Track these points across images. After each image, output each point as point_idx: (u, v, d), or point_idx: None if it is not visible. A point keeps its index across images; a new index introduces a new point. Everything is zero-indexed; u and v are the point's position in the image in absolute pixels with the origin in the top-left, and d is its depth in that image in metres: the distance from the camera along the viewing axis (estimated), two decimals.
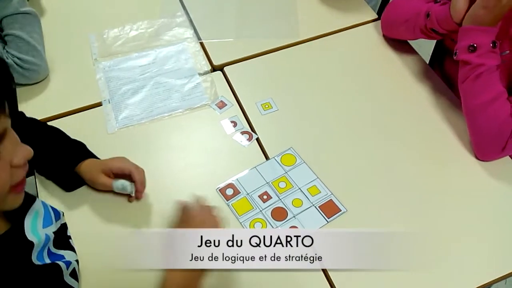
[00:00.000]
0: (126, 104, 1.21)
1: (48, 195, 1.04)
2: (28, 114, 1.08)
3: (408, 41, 1.34)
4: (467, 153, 1.11)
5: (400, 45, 1.33)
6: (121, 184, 0.99)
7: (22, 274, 0.67)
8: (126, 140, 1.14)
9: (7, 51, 1.18)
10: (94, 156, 1.04)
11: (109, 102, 1.21)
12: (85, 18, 1.44)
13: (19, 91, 1.23)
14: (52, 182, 1.05)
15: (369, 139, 1.14)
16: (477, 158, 1.09)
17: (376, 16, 1.42)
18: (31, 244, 0.71)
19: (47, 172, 1.05)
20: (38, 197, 0.90)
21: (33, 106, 1.19)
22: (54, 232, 0.79)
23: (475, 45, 1.02)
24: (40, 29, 1.25)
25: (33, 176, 1.06)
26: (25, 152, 0.63)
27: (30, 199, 0.75)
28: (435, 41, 1.38)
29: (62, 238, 0.82)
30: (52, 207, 0.82)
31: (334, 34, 1.38)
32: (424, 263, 0.94)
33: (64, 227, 0.85)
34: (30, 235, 0.72)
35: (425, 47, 1.33)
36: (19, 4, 1.19)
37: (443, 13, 1.09)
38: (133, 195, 1.00)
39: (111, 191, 1.01)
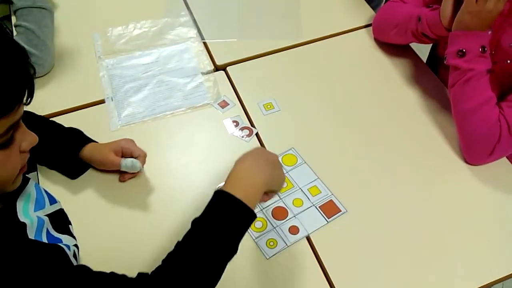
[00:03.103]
0: (129, 102, 1.22)
1: (50, 184, 1.05)
2: (30, 110, 1.08)
3: (410, 45, 1.35)
4: None
5: (402, 48, 1.33)
6: (131, 162, 1.01)
7: (18, 248, 0.64)
8: (129, 138, 1.14)
9: None
10: (93, 141, 1.06)
11: (112, 100, 1.22)
12: (89, 16, 1.45)
13: None
14: (54, 173, 1.05)
15: (370, 140, 1.14)
16: (465, 161, 1.10)
17: None
18: (23, 225, 0.71)
19: (50, 162, 1.05)
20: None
21: (35, 103, 1.16)
22: (49, 215, 0.79)
23: (464, 50, 1.02)
24: (53, 25, 1.26)
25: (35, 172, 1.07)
26: (33, 138, 0.68)
27: (23, 182, 0.75)
28: (429, 49, 1.39)
29: (60, 223, 0.82)
30: (47, 193, 0.82)
31: (337, 36, 1.39)
32: (422, 264, 0.94)
33: (62, 212, 0.85)
34: (22, 217, 0.72)
35: (420, 55, 1.34)
36: None
37: (434, 18, 1.10)
38: (143, 171, 1.06)
39: (111, 178, 1.05)
